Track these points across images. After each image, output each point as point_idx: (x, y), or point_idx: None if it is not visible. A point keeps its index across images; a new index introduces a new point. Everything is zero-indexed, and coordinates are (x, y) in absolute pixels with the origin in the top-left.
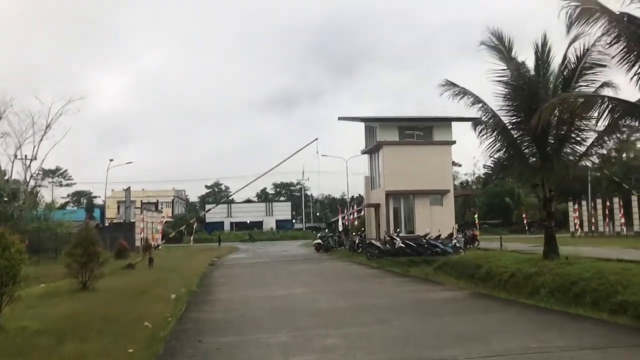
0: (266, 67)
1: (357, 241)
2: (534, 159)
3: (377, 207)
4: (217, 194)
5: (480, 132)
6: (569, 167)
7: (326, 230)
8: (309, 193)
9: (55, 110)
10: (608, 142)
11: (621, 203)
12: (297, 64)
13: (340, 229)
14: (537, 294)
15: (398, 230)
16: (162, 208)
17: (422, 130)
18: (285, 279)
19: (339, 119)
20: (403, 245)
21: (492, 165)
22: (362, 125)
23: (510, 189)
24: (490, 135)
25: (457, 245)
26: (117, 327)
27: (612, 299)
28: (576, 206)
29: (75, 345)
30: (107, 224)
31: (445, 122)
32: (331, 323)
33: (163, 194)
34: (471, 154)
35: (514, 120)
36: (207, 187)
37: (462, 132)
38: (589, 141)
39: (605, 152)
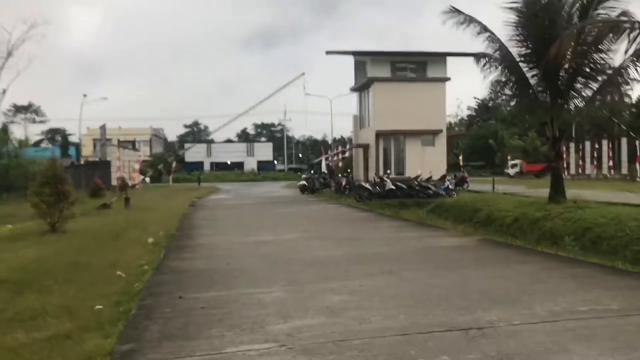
0: (246, 3)
1: (344, 183)
2: (543, 95)
3: (366, 147)
4: (196, 134)
5: (484, 65)
6: (581, 105)
7: (311, 172)
8: (290, 134)
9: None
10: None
11: (610, 146)
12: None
13: (324, 170)
14: (544, 240)
15: (388, 171)
16: (139, 146)
17: (415, 67)
18: (273, 222)
19: (327, 53)
20: (393, 187)
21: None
22: (348, 61)
23: (494, 131)
24: (496, 68)
25: (450, 187)
26: (85, 276)
27: (634, 246)
28: (563, 148)
29: (34, 299)
30: (82, 162)
31: (440, 57)
32: (332, 275)
33: (140, 132)
34: (454, 95)
35: (524, 52)
36: (185, 126)
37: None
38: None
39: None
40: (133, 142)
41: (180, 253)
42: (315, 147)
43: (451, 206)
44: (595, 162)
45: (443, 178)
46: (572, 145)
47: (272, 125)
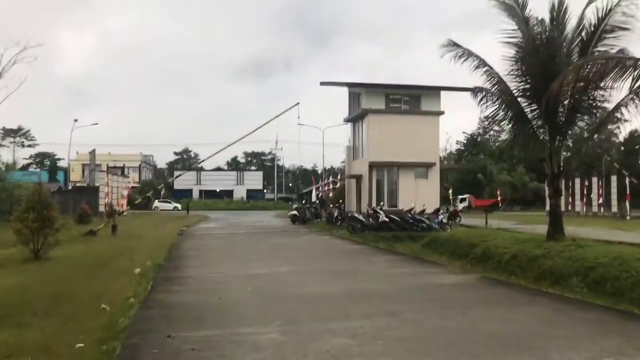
0: (239, 33)
1: (336, 214)
2: (542, 131)
3: (359, 178)
4: (186, 161)
5: (481, 100)
6: (580, 141)
7: (303, 202)
8: (281, 163)
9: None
10: (622, 116)
11: (600, 183)
12: (270, 32)
13: (314, 200)
14: (544, 279)
15: (382, 203)
16: (128, 173)
17: (409, 99)
18: (265, 253)
19: (322, 84)
20: (387, 220)
21: (464, 142)
22: (341, 93)
23: (483, 166)
24: (494, 103)
25: (444, 221)
26: (68, 308)
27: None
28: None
29: (9, 334)
30: (70, 187)
31: (434, 90)
32: (330, 314)
33: (130, 159)
34: (444, 130)
35: (523, 87)
36: (175, 153)
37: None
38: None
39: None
40: (122, 168)
41: (169, 285)
42: (305, 176)
43: (446, 241)
44: (585, 199)
45: (437, 211)
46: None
47: (263, 154)
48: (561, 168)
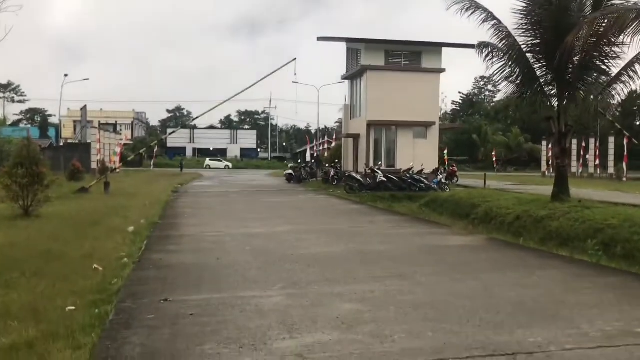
0: None
1: (332, 173)
2: (550, 88)
3: (356, 137)
4: (179, 119)
5: (487, 55)
6: (589, 98)
7: (299, 161)
8: (274, 122)
9: None
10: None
11: (597, 144)
12: None
13: (308, 159)
14: (549, 241)
15: (379, 163)
16: (121, 130)
17: (409, 56)
18: (262, 212)
19: (319, 39)
20: (385, 180)
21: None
22: (336, 50)
23: (478, 127)
24: (500, 59)
25: (443, 181)
26: (58, 267)
27: None
28: (550, 145)
29: None
30: (61, 144)
31: (436, 47)
32: (336, 277)
33: (122, 115)
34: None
35: (532, 42)
36: (168, 111)
37: None
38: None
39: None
40: (115, 125)
41: (164, 245)
42: (299, 136)
43: (446, 201)
44: (581, 160)
45: (435, 172)
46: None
47: (256, 113)
48: (569, 127)
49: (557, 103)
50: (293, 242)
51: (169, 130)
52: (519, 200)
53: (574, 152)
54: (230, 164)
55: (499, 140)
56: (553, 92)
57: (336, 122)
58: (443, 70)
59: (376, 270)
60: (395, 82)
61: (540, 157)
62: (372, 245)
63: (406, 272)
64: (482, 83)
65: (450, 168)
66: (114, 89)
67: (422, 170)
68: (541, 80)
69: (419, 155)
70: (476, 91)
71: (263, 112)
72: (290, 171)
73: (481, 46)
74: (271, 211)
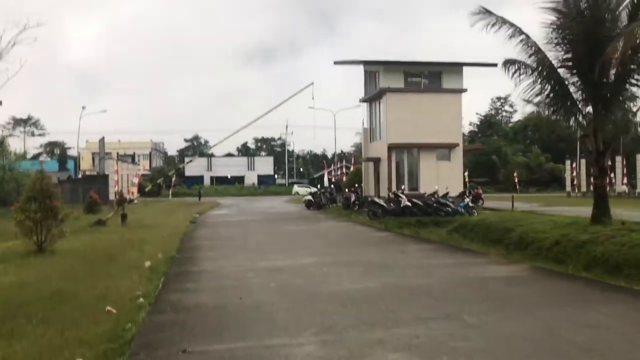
0: (245, 18)
1: (353, 199)
2: (584, 104)
3: (377, 161)
4: (197, 148)
5: (515, 72)
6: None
7: (318, 186)
8: (290, 148)
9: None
10: None
11: (624, 163)
12: (276, 15)
13: (326, 184)
14: (594, 267)
15: (403, 187)
16: (139, 160)
17: (429, 77)
18: (284, 242)
19: (336, 63)
20: (409, 204)
21: (478, 123)
22: (354, 74)
23: (497, 147)
24: (530, 75)
25: (470, 204)
26: (68, 311)
27: None
28: (574, 165)
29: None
30: (80, 176)
31: (456, 67)
32: (375, 319)
33: (140, 146)
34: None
35: (563, 57)
36: (186, 140)
37: None
38: None
39: None
40: (132, 156)
41: (182, 282)
42: (315, 161)
43: (476, 226)
44: (608, 179)
45: (462, 195)
46: (582, 162)
47: (272, 139)
48: (606, 145)
49: (592, 120)
50: (321, 277)
51: (187, 159)
52: (554, 224)
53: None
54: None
55: (519, 161)
56: (588, 109)
57: (352, 146)
58: (464, 90)
59: (418, 309)
60: (416, 104)
61: (562, 177)
62: (408, 279)
63: (452, 311)
64: (498, 104)
65: (475, 190)
66: (132, 120)
67: (447, 193)
68: (575, 96)
69: (443, 177)
70: (493, 112)
71: (279, 138)
72: (309, 197)
73: (508, 63)
74: (293, 241)
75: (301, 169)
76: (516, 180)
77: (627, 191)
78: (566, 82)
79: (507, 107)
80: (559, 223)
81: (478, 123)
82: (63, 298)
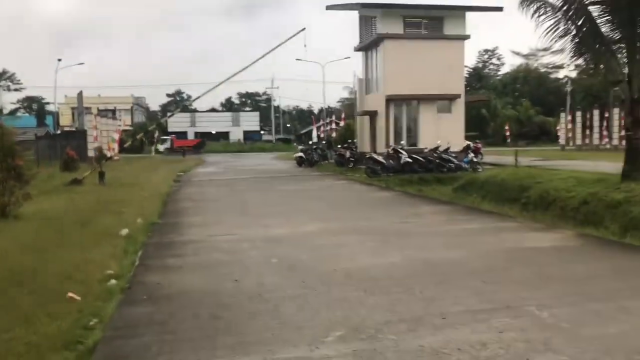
0: None
1: (347, 155)
2: (618, 45)
3: (373, 115)
4: (179, 103)
5: (536, 11)
6: None
7: (309, 142)
8: (276, 103)
9: None
10: None
11: (622, 115)
12: None
13: (315, 140)
14: (633, 230)
15: (402, 142)
16: (120, 116)
17: (430, 22)
18: (280, 205)
19: (328, 8)
20: (410, 160)
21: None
22: (339, 24)
23: (486, 101)
24: (554, 14)
25: (474, 160)
26: (20, 297)
27: None
28: (569, 117)
29: None
30: (58, 132)
31: (459, 11)
32: (414, 311)
33: (121, 101)
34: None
35: None
36: (168, 95)
37: None
38: None
39: None
40: (113, 111)
41: (164, 257)
42: (302, 117)
43: (486, 183)
44: (605, 132)
45: (466, 149)
46: (578, 114)
47: (257, 94)
48: None
49: (627, 64)
50: (331, 249)
51: (169, 114)
52: (577, 180)
53: (596, 124)
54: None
55: (508, 114)
56: (621, 51)
57: (338, 102)
58: (468, 37)
59: (466, 297)
60: (416, 52)
61: (551, 130)
62: (436, 251)
63: (513, 300)
64: (486, 56)
65: (474, 145)
66: (112, 74)
67: (448, 148)
68: (606, 35)
69: (443, 131)
70: (480, 65)
71: (264, 93)
72: (300, 154)
73: (526, 1)
74: (290, 203)
75: (288, 125)
76: (508, 133)
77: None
78: (598, 21)
79: (494, 60)
80: (583, 180)
81: (467, 76)
82: (18, 277)
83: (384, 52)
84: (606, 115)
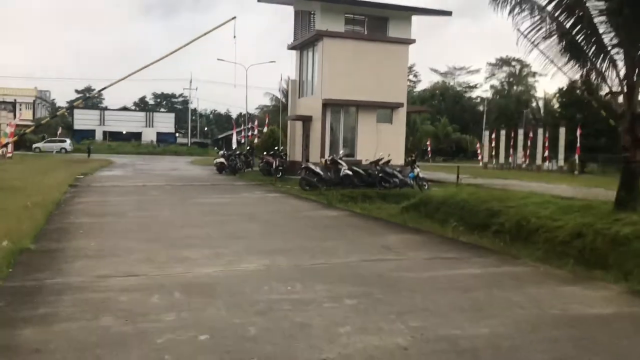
0: None
1: (276, 164)
2: (616, 51)
3: (306, 120)
4: (90, 100)
5: (515, 7)
6: None
7: (233, 148)
8: (193, 106)
9: None
10: None
11: (547, 135)
12: None
13: (234, 146)
14: None
15: (341, 152)
16: (20, 109)
17: (373, 22)
18: (203, 224)
19: (259, 0)
20: (350, 173)
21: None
22: (263, 25)
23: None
24: (534, 14)
25: (421, 175)
26: None
27: None
28: (493, 136)
29: None
30: None
31: (405, 12)
32: None
33: (22, 93)
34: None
35: None
36: (77, 91)
37: None
38: None
39: None
40: (13, 104)
41: (15, 324)
42: (219, 121)
43: (444, 204)
44: (528, 152)
45: (412, 163)
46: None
47: (173, 95)
48: None
49: (625, 74)
50: (294, 314)
51: (66, 105)
52: (559, 207)
53: (521, 144)
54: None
55: (427, 129)
56: (619, 57)
57: (257, 108)
58: (413, 42)
59: None
60: (357, 54)
61: (467, 148)
62: (456, 320)
63: None
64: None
65: (409, 158)
66: (16, 66)
67: (389, 161)
68: (602, 39)
69: (383, 143)
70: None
71: (181, 95)
72: (222, 160)
73: None
74: (215, 222)
75: (205, 129)
76: (429, 149)
77: (547, 165)
78: (595, 22)
79: (411, 77)
80: (565, 206)
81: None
82: None
83: (322, 51)
84: (530, 135)
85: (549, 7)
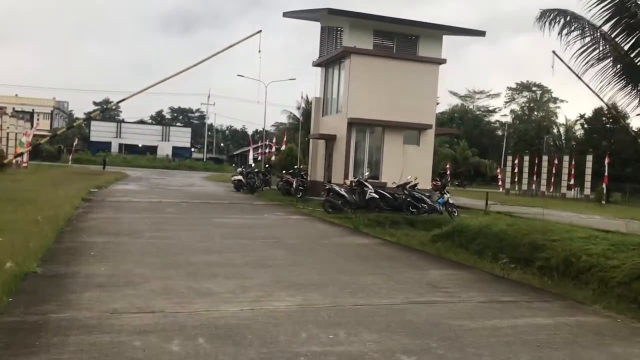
0: None
1: (297, 183)
2: None
3: (330, 139)
4: (107, 112)
5: (565, 27)
6: None
7: (251, 165)
8: (210, 121)
9: None
10: None
11: (572, 163)
12: None
13: (251, 163)
14: None
15: (366, 174)
16: (38, 119)
17: (403, 41)
18: (224, 249)
19: (285, 15)
20: (376, 196)
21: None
22: (281, 45)
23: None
24: (591, 32)
25: (450, 201)
26: None
27: None
28: (516, 161)
29: None
30: None
31: (436, 31)
32: None
33: (41, 103)
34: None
35: None
36: (95, 103)
37: None
38: None
39: None
40: (31, 114)
41: None
42: (235, 137)
43: (479, 234)
44: (553, 179)
45: (442, 188)
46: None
47: (190, 110)
48: None
49: None
50: None
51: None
52: (611, 244)
53: (545, 170)
54: None
55: (446, 153)
56: None
57: (273, 125)
58: (444, 61)
59: None
60: (385, 72)
61: (485, 171)
62: None
63: None
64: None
65: (433, 183)
66: (35, 77)
67: (416, 185)
68: None
69: (409, 165)
70: None
71: (198, 110)
72: (239, 177)
73: (547, 15)
74: (237, 246)
75: (221, 144)
76: (448, 172)
77: (573, 193)
78: None
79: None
80: (617, 242)
81: None
82: None
83: (349, 68)
84: (555, 162)
85: (606, 27)
